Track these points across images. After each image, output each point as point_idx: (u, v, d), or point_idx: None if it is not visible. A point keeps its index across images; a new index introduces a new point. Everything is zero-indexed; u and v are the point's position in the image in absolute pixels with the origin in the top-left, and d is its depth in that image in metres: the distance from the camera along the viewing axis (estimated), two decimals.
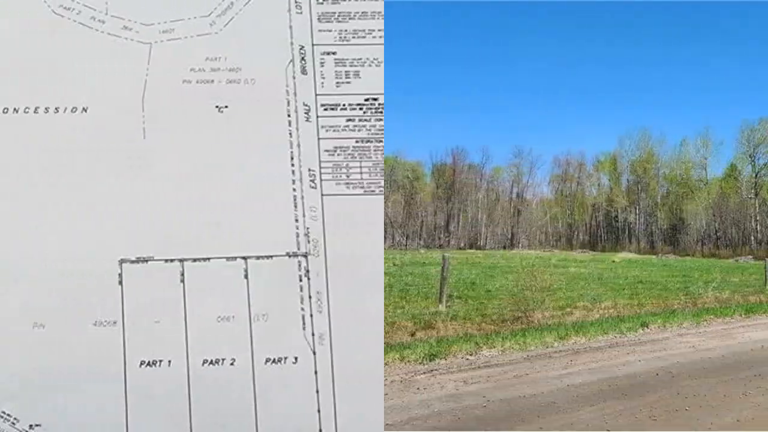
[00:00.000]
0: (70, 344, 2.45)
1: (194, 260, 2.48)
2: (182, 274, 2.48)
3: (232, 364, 2.47)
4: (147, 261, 2.47)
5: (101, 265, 2.46)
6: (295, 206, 2.49)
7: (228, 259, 2.48)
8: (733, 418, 5.34)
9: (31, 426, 2.45)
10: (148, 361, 2.46)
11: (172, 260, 2.48)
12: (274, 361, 2.47)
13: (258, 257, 2.48)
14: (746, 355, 8.34)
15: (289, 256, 2.49)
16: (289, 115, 2.50)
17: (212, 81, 2.48)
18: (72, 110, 2.46)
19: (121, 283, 2.47)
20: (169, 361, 2.47)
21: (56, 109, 2.46)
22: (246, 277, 2.48)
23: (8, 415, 2.44)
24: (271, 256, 2.48)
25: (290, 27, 2.52)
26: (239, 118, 2.49)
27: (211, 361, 2.47)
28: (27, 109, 2.46)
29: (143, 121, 2.47)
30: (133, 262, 2.47)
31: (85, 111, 2.47)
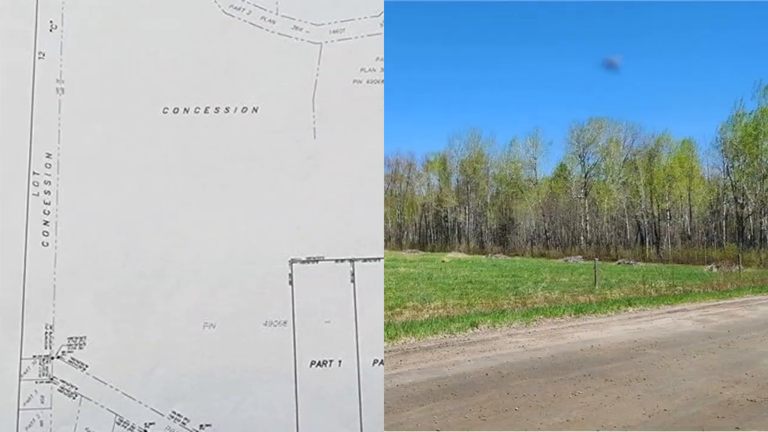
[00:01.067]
0: (241, 344, 2.45)
1: (364, 260, 2.48)
2: (352, 274, 2.48)
3: None
4: (317, 261, 2.47)
5: (272, 265, 2.46)
6: None
7: None
8: (563, 417, 5.35)
9: (201, 426, 2.44)
10: (319, 361, 2.46)
11: (342, 260, 2.47)
12: None
13: None
14: (576, 355, 8.34)
15: None
16: None
17: (382, 81, 2.48)
18: (243, 110, 2.46)
19: (291, 283, 2.46)
20: (340, 361, 2.46)
21: (227, 109, 2.46)
22: None
23: (179, 415, 2.44)
24: None
25: None
26: None
27: (381, 361, 2.47)
28: (197, 109, 2.45)
29: (314, 121, 2.47)
30: (303, 262, 2.47)
31: (256, 111, 2.46)
